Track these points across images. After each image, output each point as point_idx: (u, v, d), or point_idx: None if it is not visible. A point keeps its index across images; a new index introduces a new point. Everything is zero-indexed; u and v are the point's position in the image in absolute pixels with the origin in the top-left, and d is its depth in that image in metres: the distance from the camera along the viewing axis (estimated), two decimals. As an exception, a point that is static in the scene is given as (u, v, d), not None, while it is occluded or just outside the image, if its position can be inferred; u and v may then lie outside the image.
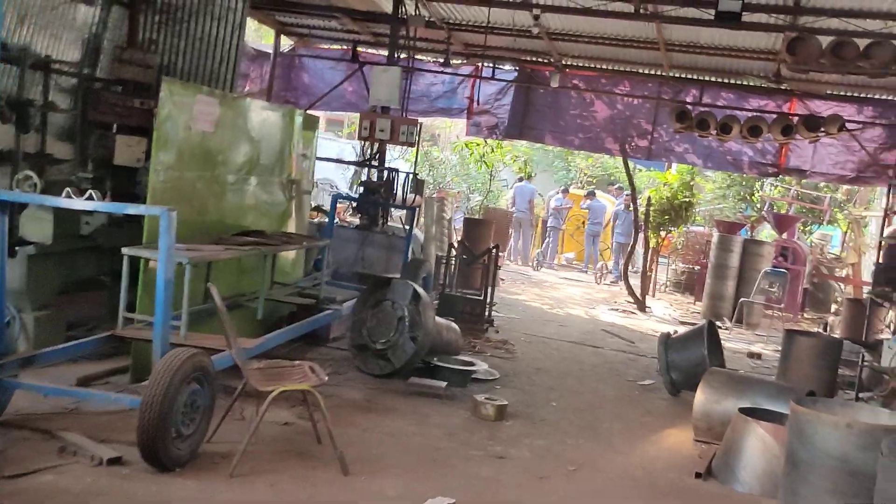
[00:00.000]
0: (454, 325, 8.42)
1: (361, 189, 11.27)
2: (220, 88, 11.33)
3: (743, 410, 5.97)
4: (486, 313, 10.56)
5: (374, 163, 11.32)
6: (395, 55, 11.08)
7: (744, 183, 17.78)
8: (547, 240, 19.63)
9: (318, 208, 12.09)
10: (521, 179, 20.58)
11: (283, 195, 8.33)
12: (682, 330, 12.25)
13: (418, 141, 16.68)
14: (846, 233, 19.57)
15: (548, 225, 19.80)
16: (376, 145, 11.32)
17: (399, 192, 11.67)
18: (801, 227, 16.50)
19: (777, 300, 12.98)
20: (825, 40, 9.09)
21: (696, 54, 11.89)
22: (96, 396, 5.34)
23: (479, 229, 14.07)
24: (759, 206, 17.62)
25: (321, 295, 7.94)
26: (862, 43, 9.00)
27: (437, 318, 8.23)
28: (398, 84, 10.69)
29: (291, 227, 8.62)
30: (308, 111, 16.90)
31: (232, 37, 11.39)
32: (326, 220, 12.68)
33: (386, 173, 11.34)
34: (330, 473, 5.03)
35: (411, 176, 11.28)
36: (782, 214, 15.85)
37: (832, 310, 16.16)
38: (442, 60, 13.33)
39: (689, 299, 16.44)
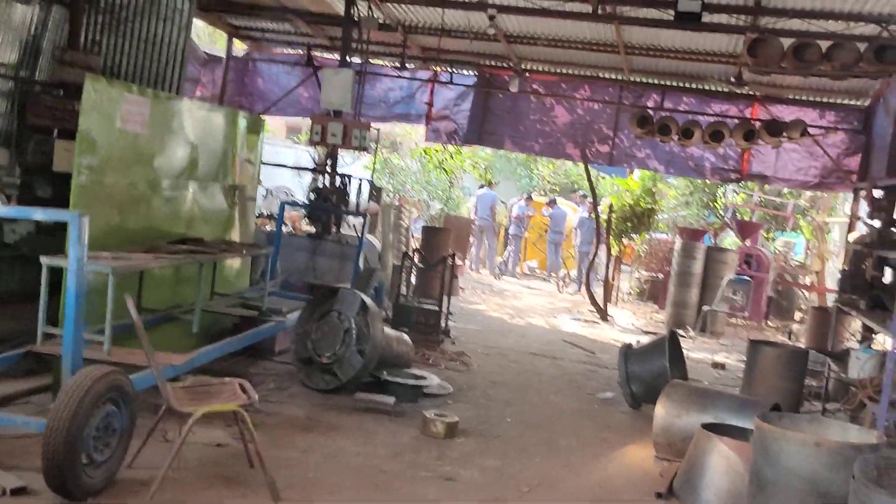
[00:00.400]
0: (405, 336, 8.03)
1: (313, 196, 10.85)
2: (167, 91, 10.90)
3: (706, 426, 5.65)
4: (443, 324, 10.20)
5: (327, 168, 10.92)
6: (348, 58, 10.69)
7: (706, 189, 17.63)
8: (509, 248, 19.33)
9: (269, 216, 11.66)
10: (482, 186, 20.27)
11: (225, 201, 7.90)
12: (644, 340, 11.99)
13: (377, 147, 16.36)
14: (809, 239, 19.52)
15: (509, 233, 19.50)
16: (328, 150, 10.93)
17: (353, 199, 11.31)
18: (765, 234, 16.35)
19: (741, 308, 12.77)
20: (787, 42, 8.87)
21: (656, 57, 11.66)
22: (2, 420, 4.87)
23: (437, 237, 13.71)
24: (722, 212, 17.47)
25: (264, 306, 7.53)
26: (824, 45, 8.79)
27: (388, 330, 7.85)
28: (350, 87, 10.31)
29: (235, 235, 8.19)
30: (263, 116, 16.51)
31: (178, 38, 10.97)
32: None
33: (338, 179, 10.95)
34: (259, 500, 4.62)
35: (367, 182, 10.90)
36: (745, 221, 15.68)
37: (796, 317, 16.02)
38: (398, 64, 12.99)
39: (652, 308, 16.20)
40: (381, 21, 11.23)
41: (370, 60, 14.51)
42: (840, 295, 8.36)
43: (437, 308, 9.95)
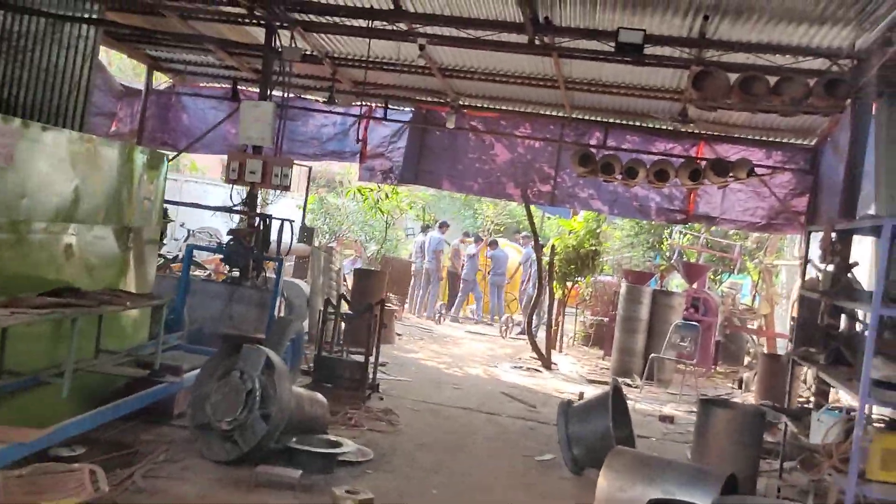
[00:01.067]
0: (320, 397, 7.19)
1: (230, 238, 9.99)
2: (69, 125, 10.02)
3: (653, 502, 4.91)
4: (371, 377, 9.39)
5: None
6: (270, 90, 9.93)
7: (652, 231, 17.15)
8: (459, 295, 18.59)
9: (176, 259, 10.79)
10: (426, 228, 19.52)
11: (116, 245, 7.02)
12: (588, 391, 11.30)
13: (308, 185, 15.57)
14: (757, 282, 19.14)
15: (463, 276, 18.71)
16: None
17: (281, 241, 10.50)
18: (712, 277, 15.87)
19: (689, 355, 12.14)
20: (733, 77, 8.36)
21: (598, 93, 11.12)
22: None
23: (370, 281, 12.91)
24: (668, 254, 16.98)
25: (156, 363, 6.64)
26: (772, 79, 8.29)
27: (300, 390, 7.02)
28: (271, 121, 9.52)
29: (129, 283, 7.30)
30: (189, 153, 15.62)
31: (82, 68, 10.14)
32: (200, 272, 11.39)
33: (258, 220, 10.12)
34: None
35: (289, 223, 10.10)
36: (692, 263, 15.18)
37: (745, 362, 15.50)
38: (339, 103, 12.27)
39: (598, 353, 15.55)
40: (306, 52, 10.52)
41: (301, 95, 13.88)
42: (795, 346, 7.76)
43: (363, 360, 9.12)
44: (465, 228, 24.28)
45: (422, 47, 9.23)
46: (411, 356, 12.60)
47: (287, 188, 9.81)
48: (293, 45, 9.79)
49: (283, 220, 10.16)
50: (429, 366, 11.97)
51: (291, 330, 8.14)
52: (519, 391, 10.84)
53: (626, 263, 16.87)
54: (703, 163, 11.90)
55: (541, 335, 13.87)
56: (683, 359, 12.26)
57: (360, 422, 8.02)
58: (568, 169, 12.88)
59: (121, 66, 19.58)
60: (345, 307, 10.09)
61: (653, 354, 12.17)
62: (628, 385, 12.36)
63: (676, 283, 19.22)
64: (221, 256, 9.98)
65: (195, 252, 10.16)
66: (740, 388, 12.40)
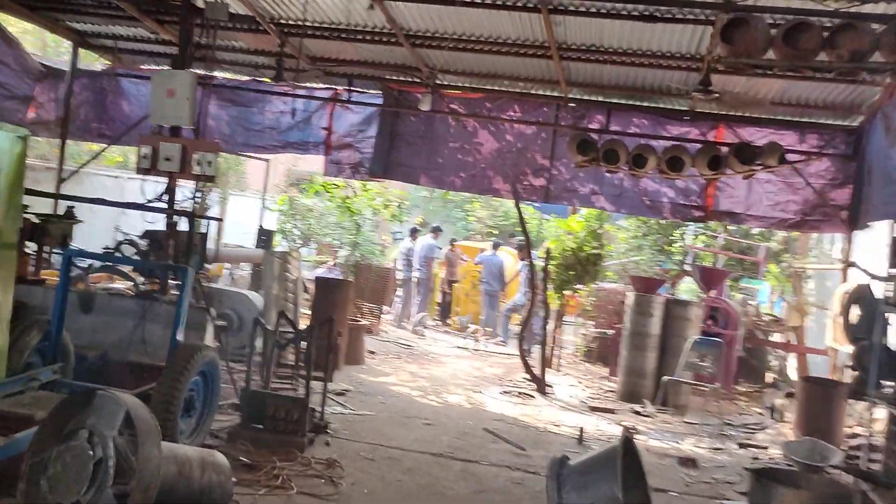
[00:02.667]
0: (219, 458, 5.24)
1: (146, 243, 8.10)
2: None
3: None
4: (318, 414, 7.49)
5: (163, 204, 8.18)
6: (188, 56, 8.02)
7: (661, 231, 15.19)
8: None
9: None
10: (413, 232, 17.59)
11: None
12: (590, 423, 9.38)
13: (265, 182, 13.65)
14: (775, 286, 17.21)
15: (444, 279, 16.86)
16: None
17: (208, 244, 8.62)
18: (731, 283, 13.94)
19: (710, 378, 10.23)
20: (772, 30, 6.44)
21: (599, 62, 9.21)
22: None
23: (335, 293, 10.98)
24: (680, 257, 15.04)
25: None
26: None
27: (189, 451, 5.08)
28: (190, 95, 7.65)
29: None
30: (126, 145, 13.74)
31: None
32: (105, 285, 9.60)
33: (190, 220, 8.22)
34: None
35: (219, 222, 8.21)
36: (709, 268, 13.21)
37: (769, 379, 13.56)
38: (284, 79, 10.34)
39: (602, 371, 13.62)
40: (250, 18, 8.64)
41: (256, 78, 12.04)
42: (858, 381, 5.89)
43: (306, 393, 7.18)
44: (459, 233, 22.40)
45: (372, 4, 7.33)
46: (381, 381, 10.66)
47: (211, 179, 7.90)
48: (219, 1, 7.90)
49: (210, 218, 8.24)
50: (400, 393, 10.03)
51: (198, 361, 6.21)
52: (506, 426, 8.90)
53: (632, 268, 14.92)
54: (725, 148, 10.01)
55: (532, 353, 11.95)
56: (703, 382, 10.34)
57: (289, 481, 6.09)
58: (564, 159, 10.98)
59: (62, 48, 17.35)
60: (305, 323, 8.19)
61: (666, 377, 10.24)
62: (637, 413, 10.43)
63: (686, 289, 17.29)
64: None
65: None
66: (772, 416, 10.45)
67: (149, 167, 7.67)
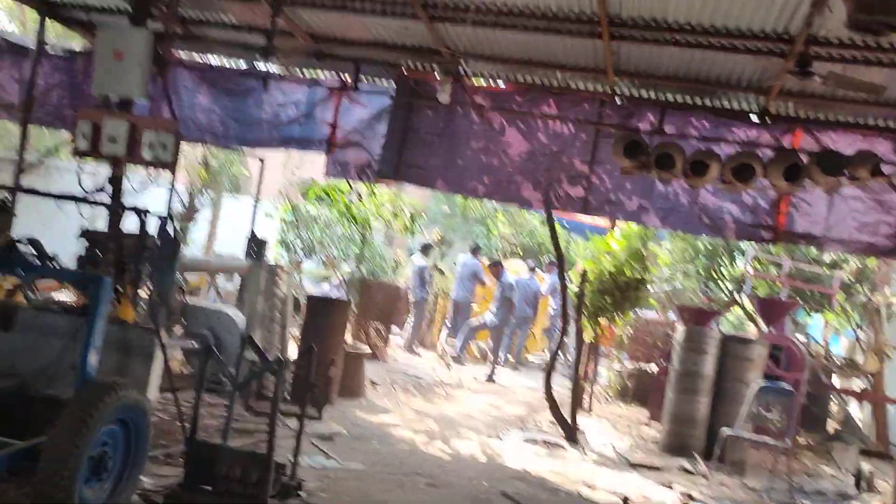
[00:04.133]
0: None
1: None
2: None
3: None
4: (290, 472, 5.81)
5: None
6: (145, 11, 6.40)
7: (708, 255, 13.34)
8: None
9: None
10: (426, 248, 15.96)
11: None
12: (633, 483, 7.62)
13: (259, 186, 12.01)
14: (830, 321, 15.38)
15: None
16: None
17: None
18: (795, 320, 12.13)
19: (779, 434, 8.44)
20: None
21: (658, 43, 7.48)
22: None
23: (329, 314, 9.29)
24: (729, 285, 13.23)
25: None
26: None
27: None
28: (144, 60, 6.02)
29: None
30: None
31: None
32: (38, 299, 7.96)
33: (139, 217, 6.57)
34: None
35: (168, 220, 6.57)
36: (772, 299, 11.40)
37: (831, 429, 11.75)
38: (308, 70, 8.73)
39: (640, 413, 11.84)
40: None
41: (254, 62, 10.46)
42: None
43: (266, 450, 5.48)
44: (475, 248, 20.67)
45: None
46: (381, 420, 8.96)
47: (167, 166, 6.25)
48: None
49: (164, 217, 6.59)
50: (402, 438, 8.31)
51: (113, 404, 4.54)
52: (529, 488, 7.17)
53: (676, 296, 13.10)
54: (805, 157, 8.25)
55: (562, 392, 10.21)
56: (770, 437, 8.55)
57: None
58: (608, 165, 9.24)
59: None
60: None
61: (726, 430, 8.45)
62: (686, 471, 8.65)
63: (732, 322, 15.50)
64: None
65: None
66: (857, 484, 8.63)
67: (88, 149, 6.03)
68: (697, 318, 10.61)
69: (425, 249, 16.25)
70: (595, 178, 9.47)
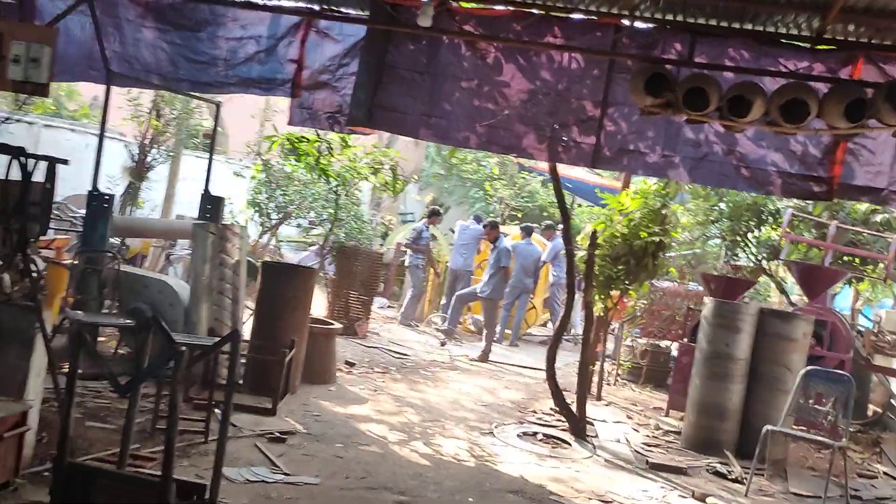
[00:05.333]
0: None
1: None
2: None
3: None
4: (207, 499, 4.30)
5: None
6: None
7: (733, 216, 11.70)
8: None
9: None
10: (434, 215, 14.47)
11: None
12: (654, 492, 6.16)
13: (214, 134, 10.38)
14: (862, 291, 13.91)
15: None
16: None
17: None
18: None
19: (831, 429, 6.95)
20: None
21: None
22: None
23: (289, 285, 7.74)
24: (755, 251, 11.65)
25: None
26: None
27: None
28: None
29: None
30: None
31: None
32: None
33: (17, 161, 5.01)
34: None
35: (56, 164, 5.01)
36: (814, 266, 9.82)
37: (872, 413, 10.28)
38: None
39: (654, 397, 10.37)
40: None
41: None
42: None
43: (165, 473, 3.97)
44: (475, 214, 19.11)
45: None
46: (351, 412, 7.45)
47: (40, 92, 4.67)
48: None
49: (52, 159, 5.01)
50: (373, 436, 6.80)
51: None
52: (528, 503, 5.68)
53: (699, 263, 11.53)
54: (870, 90, 6.66)
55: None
56: (822, 433, 7.06)
57: None
58: (624, 106, 7.65)
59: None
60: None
61: (769, 427, 6.92)
62: (719, 475, 7.17)
63: (753, 294, 13.95)
64: None
65: None
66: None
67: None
68: (726, 288, 9.09)
69: (433, 216, 14.66)
70: (609, 123, 7.88)
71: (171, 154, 12.04)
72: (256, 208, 12.40)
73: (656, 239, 9.16)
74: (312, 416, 6.97)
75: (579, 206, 18.68)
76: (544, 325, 15.91)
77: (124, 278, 7.59)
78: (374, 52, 8.16)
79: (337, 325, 8.65)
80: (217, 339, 6.22)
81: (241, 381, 7.58)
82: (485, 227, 12.96)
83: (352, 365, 9.46)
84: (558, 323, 8.54)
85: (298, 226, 13.43)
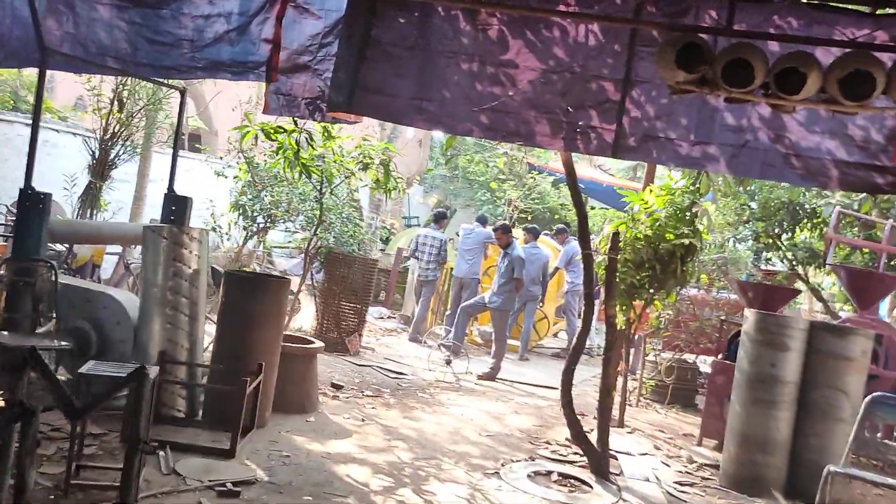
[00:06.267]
0: None
1: None
2: None
3: None
4: None
5: None
6: None
7: (765, 215, 10.51)
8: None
9: None
10: (439, 218, 13.45)
11: None
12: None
13: (178, 129, 9.23)
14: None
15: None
16: None
17: None
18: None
19: (906, 471, 5.76)
20: None
21: None
22: None
23: (256, 298, 6.58)
24: (790, 253, 10.45)
25: None
26: None
27: None
28: None
29: None
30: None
31: None
32: None
33: None
34: None
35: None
36: (867, 272, 8.61)
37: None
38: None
39: (683, 420, 9.19)
40: None
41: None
42: None
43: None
44: (479, 215, 17.96)
45: None
46: (329, 448, 6.28)
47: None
48: None
49: None
50: (351, 484, 5.62)
51: None
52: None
53: (733, 269, 10.29)
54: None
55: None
56: (887, 469, 5.85)
57: None
58: (650, 85, 6.49)
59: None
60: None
61: (832, 468, 5.72)
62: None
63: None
64: None
65: None
66: None
67: None
68: (765, 298, 7.90)
69: (439, 218, 13.55)
70: (632, 107, 6.69)
71: (138, 151, 10.92)
72: (240, 211, 11.26)
73: (685, 241, 7.97)
74: (280, 458, 5.82)
75: (592, 208, 17.51)
76: (556, 335, 14.76)
77: (63, 292, 6.46)
78: (359, 24, 7.02)
79: (318, 344, 7.47)
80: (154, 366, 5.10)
81: (197, 417, 6.46)
82: (494, 230, 11.71)
83: (338, 388, 8.30)
84: (575, 340, 7.34)
85: (286, 230, 12.28)
